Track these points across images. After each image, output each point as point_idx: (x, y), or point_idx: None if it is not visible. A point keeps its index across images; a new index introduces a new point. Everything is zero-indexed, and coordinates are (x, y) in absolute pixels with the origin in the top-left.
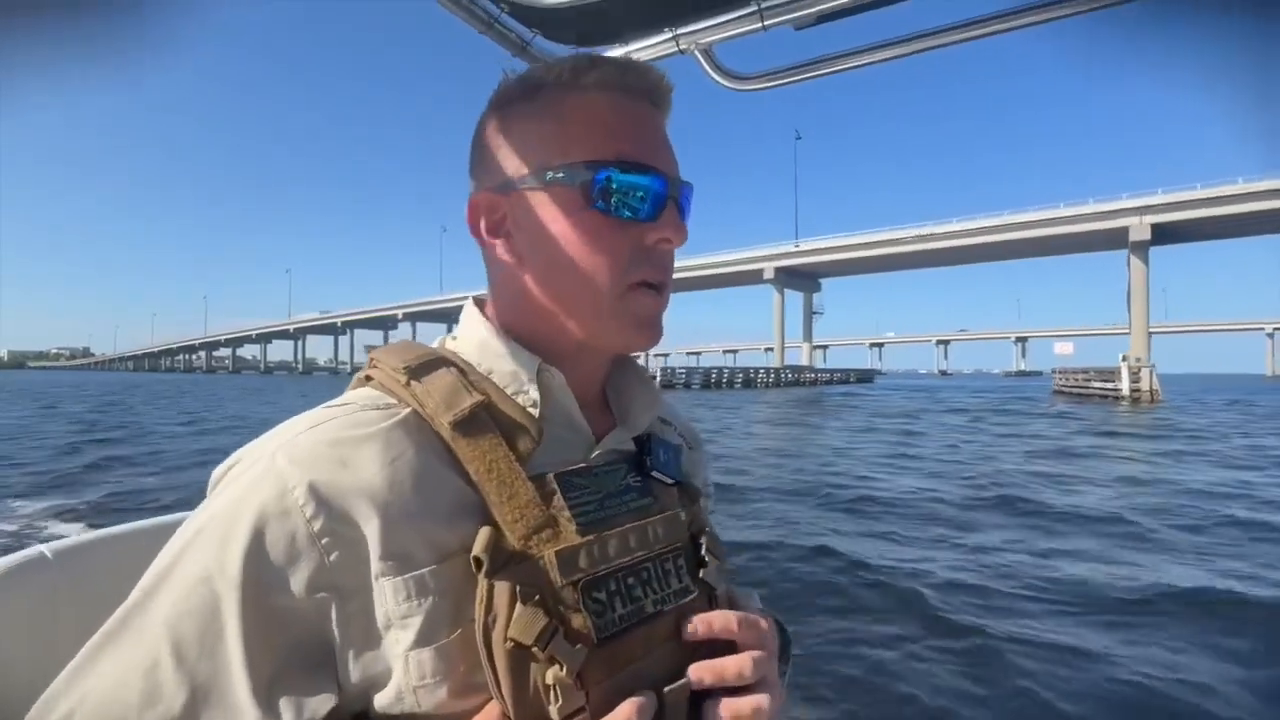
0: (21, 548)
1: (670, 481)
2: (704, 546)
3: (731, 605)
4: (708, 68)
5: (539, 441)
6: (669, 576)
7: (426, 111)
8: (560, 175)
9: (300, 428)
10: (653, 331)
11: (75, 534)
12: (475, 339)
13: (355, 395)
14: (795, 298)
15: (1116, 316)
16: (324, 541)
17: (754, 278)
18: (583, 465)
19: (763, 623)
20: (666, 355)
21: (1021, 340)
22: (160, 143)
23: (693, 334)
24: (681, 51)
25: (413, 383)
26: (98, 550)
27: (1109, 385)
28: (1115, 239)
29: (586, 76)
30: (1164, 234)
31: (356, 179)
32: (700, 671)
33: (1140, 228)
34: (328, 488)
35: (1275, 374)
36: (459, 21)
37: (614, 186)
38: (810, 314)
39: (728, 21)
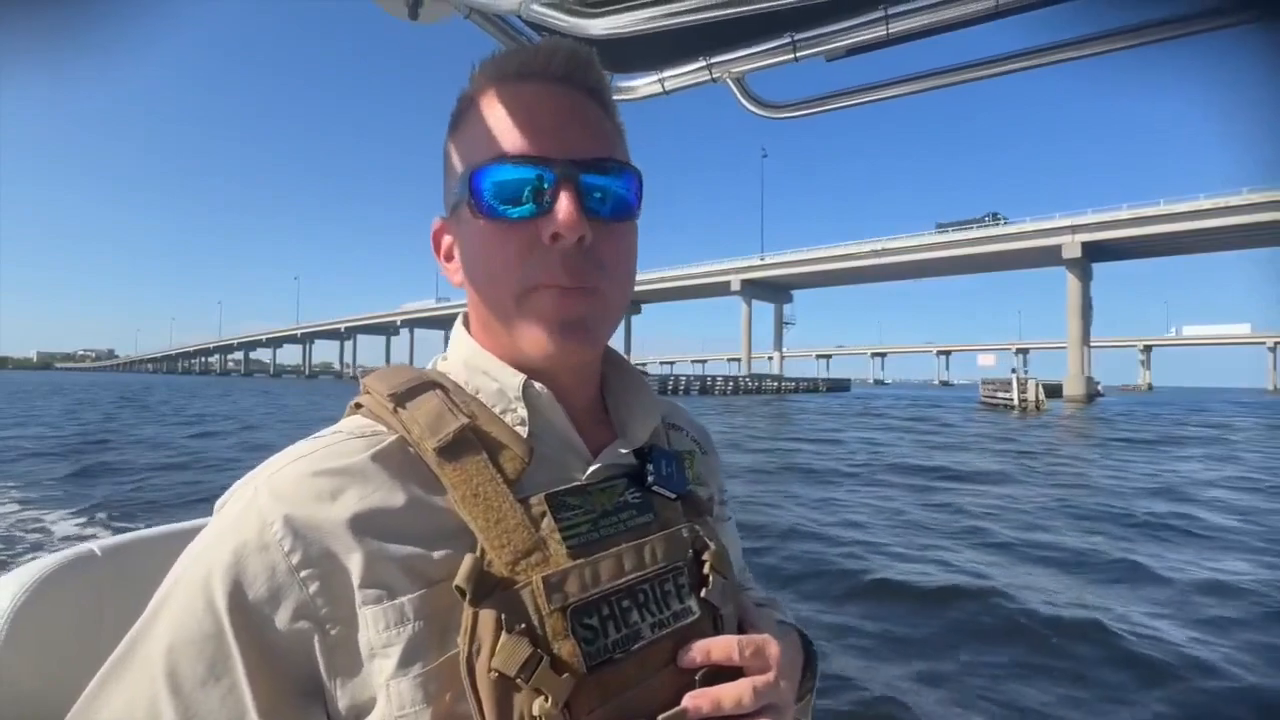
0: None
1: (672, 496)
2: (707, 564)
3: (743, 624)
4: (739, 96)
5: (529, 461)
6: (669, 598)
7: (433, 123)
8: (456, 190)
9: (285, 460)
10: (565, 336)
11: (124, 533)
12: (461, 358)
13: (345, 424)
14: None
15: (1114, 329)
16: (303, 574)
17: (721, 289)
18: (576, 484)
19: (771, 647)
20: (672, 363)
21: (1023, 352)
22: (172, 149)
23: (699, 344)
24: (714, 80)
25: (399, 409)
26: (144, 548)
27: (1007, 395)
28: (1050, 256)
29: (483, 73)
30: (1096, 252)
31: (360, 188)
32: (697, 700)
33: (1072, 246)
34: (305, 522)
35: (1277, 388)
36: (495, 45)
37: (491, 186)
38: (780, 324)
39: (761, 52)
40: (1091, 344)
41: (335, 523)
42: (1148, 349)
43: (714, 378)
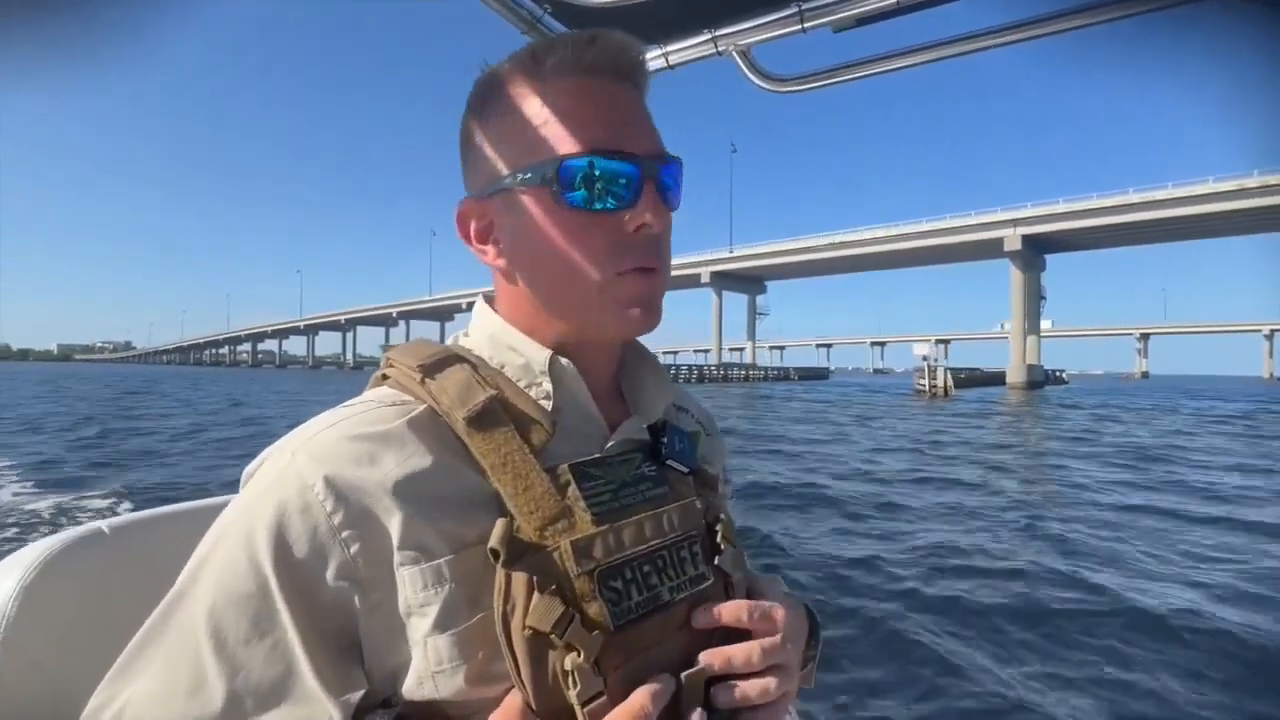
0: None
1: (685, 470)
2: (719, 534)
3: (751, 592)
4: (745, 69)
5: (552, 433)
6: (684, 564)
7: (431, 116)
8: (529, 175)
9: (320, 426)
10: (647, 314)
11: (133, 512)
12: (486, 334)
13: (373, 394)
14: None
15: (1114, 317)
16: (344, 534)
17: (692, 282)
18: (597, 456)
19: (777, 611)
20: (676, 353)
21: None
22: (180, 145)
23: (697, 335)
24: (720, 53)
25: (427, 380)
26: (153, 527)
27: (924, 382)
28: (993, 249)
29: (546, 61)
30: (1037, 244)
31: (359, 183)
32: (710, 658)
33: (1013, 239)
34: (346, 483)
35: (1273, 376)
36: (502, 22)
37: (581, 179)
38: (753, 315)
39: (768, 23)
40: (1042, 333)
41: (375, 484)
42: (1144, 337)
43: (677, 367)
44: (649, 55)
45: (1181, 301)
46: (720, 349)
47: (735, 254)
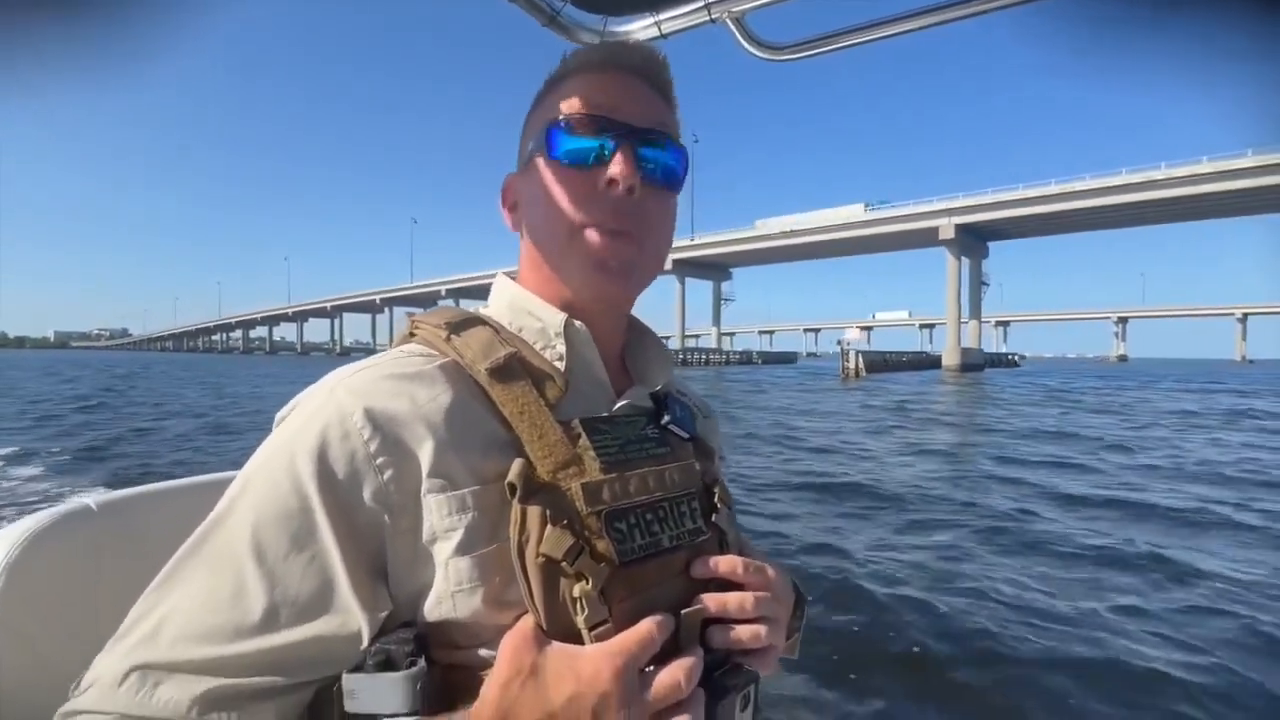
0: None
1: (685, 436)
2: (716, 495)
3: (741, 551)
4: (739, 37)
5: (565, 390)
6: (683, 518)
7: (423, 107)
8: (531, 145)
9: (356, 368)
10: (608, 274)
11: (120, 489)
12: (505, 301)
13: (401, 348)
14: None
15: (1100, 300)
16: (379, 461)
17: None
18: (606, 415)
19: (769, 569)
20: (669, 338)
21: (1003, 324)
22: (175, 134)
23: (697, 320)
24: (713, 20)
25: (452, 337)
26: (141, 504)
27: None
28: (930, 237)
29: (571, 62)
30: (972, 233)
31: (350, 172)
32: (707, 600)
33: (947, 228)
34: (383, 413)
35: (1244, 358)
36: (501, 2)
37: (563, 138)
38: (719, 301)
39: None
40: (983, 318)
41: (408, 415)
42: (1122, 321)
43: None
44: (641, 24)
45: (1166, 286)
46: (683, 334)
47: (696, 242)
